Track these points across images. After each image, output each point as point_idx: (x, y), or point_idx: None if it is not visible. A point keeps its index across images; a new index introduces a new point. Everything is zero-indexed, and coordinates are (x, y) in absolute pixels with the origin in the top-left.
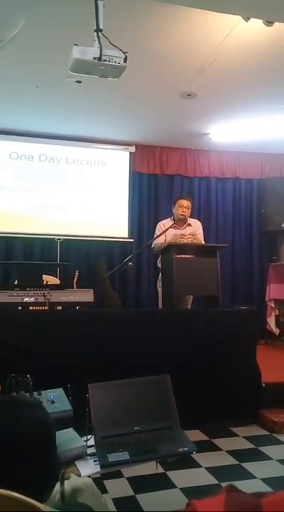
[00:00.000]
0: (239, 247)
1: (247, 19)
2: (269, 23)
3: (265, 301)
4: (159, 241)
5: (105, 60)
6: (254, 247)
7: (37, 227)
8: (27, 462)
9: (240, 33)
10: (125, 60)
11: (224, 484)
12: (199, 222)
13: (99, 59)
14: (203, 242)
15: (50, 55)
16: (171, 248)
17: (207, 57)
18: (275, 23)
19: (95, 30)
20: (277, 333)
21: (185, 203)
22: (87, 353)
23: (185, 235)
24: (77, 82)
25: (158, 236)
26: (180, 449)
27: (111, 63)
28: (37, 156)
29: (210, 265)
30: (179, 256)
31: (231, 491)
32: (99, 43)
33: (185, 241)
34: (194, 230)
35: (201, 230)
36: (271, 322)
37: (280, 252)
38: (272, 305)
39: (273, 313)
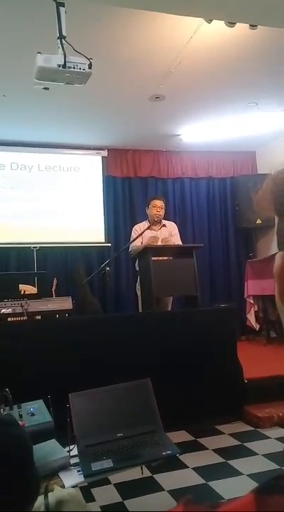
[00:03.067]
0: (216, 246)
1: (209, 21)
2: (231, 23)
3: (244, 297)
4: (136, 244)
5: (70, 67)
6: (230, 245)
7: (12, 236)
8: (2, 480)
9: (203, 34)
10: (90, 66)
11: (211, 484)
12: (174, 224)
13: (64, 66)
14: (180, 243)
15: (16, 63)
16: (148, 251)
17: (173, 59)
18: (237, 23)
19: (58, 38)
20: (257, 329)
21: (159, 203)
22: (68, 361)
23: (158, 238)
24: (45, 88)
25: (135, 239)
26: (164, 453)
27: (76, 70)
28: (9, 165)
29: (187, 266)
30: (156, 258)
31: (189, 503)
32: (63, 50)
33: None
34: (170, 232)
35: (176, 231)
36: (251, 318)
37: (256, 249)
38: (251, 301)
39: (252, 309)
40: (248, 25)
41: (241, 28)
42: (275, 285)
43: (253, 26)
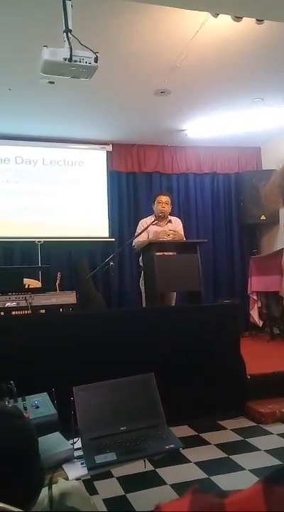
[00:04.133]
0: (220, 242)
1: (216, 15)
2: (237, 18)
3: (247, 293)
4: (141, 239)
5: (76, 61)
6: (234, 241)
7: (17, 230)
8: (9, 472)
9: (209, 29)
10: (96, 60)
11: (213, 478)
12: (179, 220)
13: (70, 60)
14: (184, 239)
15: (22, 57)
16: (152, 246)
17: (179, 54)
18: (244, 18)
19: (64, 31)
20: (260, 325)
21: (164, 198)
22: (72, 355)
23: (166, 231)
24: (50, 82)
25: (139, 234)
26: (167, 447)
27: (81, 64)
28: (14, 159)
29: (191, 261)
30: (160, 253)
31: (197, 492)
32: (69, 43)
33: (167, 238)
34: (175, 227)
35: (181, 227)
36: (254, 314)
37: (260, 245)
38: (255, 297)
39: (256, 305)
40: (254, 20)
41: (248, 22)
42: (283, 279)
43: (259, 21)
